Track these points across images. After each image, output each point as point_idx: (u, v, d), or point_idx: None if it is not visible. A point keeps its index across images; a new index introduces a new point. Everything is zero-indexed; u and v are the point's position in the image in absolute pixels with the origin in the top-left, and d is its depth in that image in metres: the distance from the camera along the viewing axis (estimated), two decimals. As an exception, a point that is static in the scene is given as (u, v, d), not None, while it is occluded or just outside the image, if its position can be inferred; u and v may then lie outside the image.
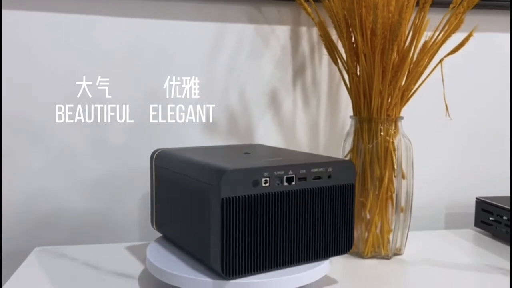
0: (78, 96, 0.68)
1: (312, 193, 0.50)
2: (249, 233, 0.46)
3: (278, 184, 0.47)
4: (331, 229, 0.52)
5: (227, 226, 0.45)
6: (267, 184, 0.46)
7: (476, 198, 0.74)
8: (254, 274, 0.47)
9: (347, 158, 0.64)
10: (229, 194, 0.44)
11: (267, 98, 0.74)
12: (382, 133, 0.61)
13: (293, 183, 0.48)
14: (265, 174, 0.46)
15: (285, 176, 0.48)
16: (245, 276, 0.46)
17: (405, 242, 0.63)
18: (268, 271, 0.48)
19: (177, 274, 0.47)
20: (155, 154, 0.58)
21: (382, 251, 0.62)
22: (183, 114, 0.72)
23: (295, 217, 0.49)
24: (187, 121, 0.72)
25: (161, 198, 0.57)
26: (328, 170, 0.50)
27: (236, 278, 0.46)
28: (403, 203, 0.62)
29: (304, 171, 0.49)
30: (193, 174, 0.49)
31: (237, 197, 0.45)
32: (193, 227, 0.50)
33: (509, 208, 0.68)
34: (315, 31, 0.74)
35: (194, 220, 0.49)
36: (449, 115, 0.64)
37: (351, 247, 0.53)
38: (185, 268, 0.48)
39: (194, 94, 0.72)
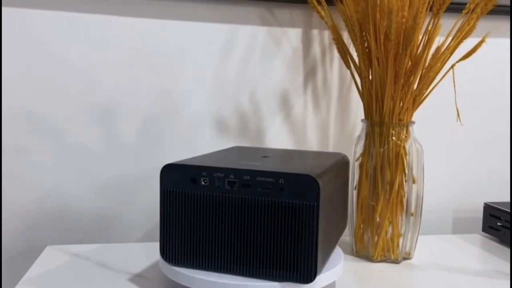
0: (92, 95, 0.69)
1: (258, 203, 0.46)
2: (188, 227, 0.48)
3: (219, 186, 0.47)
4: (283, 251, 0.45)
5: (166, 216, 0.49)
6: (207, 184, 0.47)
7: (484, 203, 0.75)
8: (200, 269, 0.48)
9: (358, 161, 0.64)
10: (169, 187, 0.48)
11: (278, 100, 0.74)
12: (393, 137, 0.61)
13: (235, 188, 0.46)
14: (204, 173, 0.47)
15: (226, 179, 0.46)
16: (188, 267, 0.48)
17: (415, 247, 0.64)
18: (215, 271, 0.48)
19: (189, 274, 0.47)
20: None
21: (391, 255, 0.62)
22: (194, 115, 0.72)
23: (239, 225, 0.46)
24: (198, 122, 0.72)
25: None
26: (280, 182, 0.45)
27: (177, 266, 0.49)
28: (413, 208, 0.62)
29: (248, 177, 0.46)
30: None
31: (175, 191, 0.48)
32: None
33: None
34: (326, 34, 0.74)
35: None
36: (460, 120, 0.64)
37: (311, 279, 0.45)
38: (196, 269, 0.49)
39: (206, 95, 0.72)
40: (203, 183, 0.47)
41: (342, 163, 0.57)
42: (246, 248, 0.46)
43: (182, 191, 0.48)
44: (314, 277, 0.45)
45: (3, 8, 0.65)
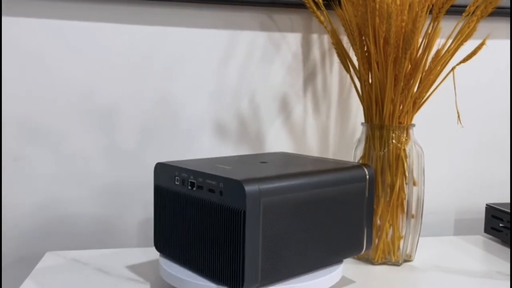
0: (90, 102, 0.69)
1: (205, 205, 0.47)
2: (172, 222, 0.52)
3: (185, 186, 0.50)
4: (220, 254, 0.46)
5: (158, 209, 0.54)
6: (178, 183, 0.51)
7: (486, 205, 0.75)
8: (184, 266, 0.51)
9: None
10: (159, 183, 0.53)
11: (278, 104, 0.75)
12: (393, 140, 0.61)
13: (195, 188, 0.48)
14: (176, 173, 0.51)
15: (189, 180, 0.49)
16: (175, 262, 0.52)
17: (416, 249, 0.64)
18: (188, 269, 0.50)
19: (190, 280, 0.48)
20: None
21: (392, 257, 0.62)
22: (194, 120, 0.72)
23: (194, 223, 0.49)
24: (198, 126, 0.72)
25: None
26: (220, 185, 0.45)
27: (165, 257, 0.53)
28: (414, 210, 0.62)
29: (201, 179, 0.47)
30: None
31: (161, 187, 0.53)
32: None
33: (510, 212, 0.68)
34: (326, 38, 0.75)
35: None
36: (460, 123, 0.64)
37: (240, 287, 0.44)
38: (197, 274, 0.49)
39: (206, 100, 0.72)
40: (176, 182, 0.51)
41: (344, 177, 0.52)
42: (198, 247, 0.49)
43: (164, 188, 0.52)
44: (241, 286, 0.44)
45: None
